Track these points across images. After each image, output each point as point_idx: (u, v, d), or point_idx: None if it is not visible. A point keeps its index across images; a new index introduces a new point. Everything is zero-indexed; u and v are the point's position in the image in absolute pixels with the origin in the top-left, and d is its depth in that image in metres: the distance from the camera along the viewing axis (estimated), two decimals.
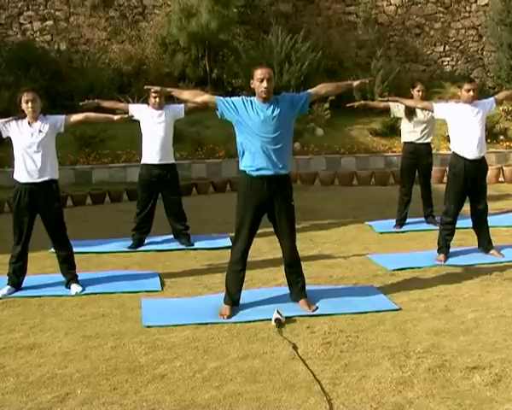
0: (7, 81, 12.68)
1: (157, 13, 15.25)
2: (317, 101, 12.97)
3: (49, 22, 14.99)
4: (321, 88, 4.86)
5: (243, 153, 4.64)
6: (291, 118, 4.69)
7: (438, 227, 6.67)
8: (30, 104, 5.17)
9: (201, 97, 4.91)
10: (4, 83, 12.62)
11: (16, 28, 14.88)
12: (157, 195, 6.94)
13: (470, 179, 6.01)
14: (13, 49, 13.96)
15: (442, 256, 6.07)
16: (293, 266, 4.87)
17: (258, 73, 4.53)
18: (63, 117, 5.44)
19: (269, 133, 4.54)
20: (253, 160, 4.57)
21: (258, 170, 4.57)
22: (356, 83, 5.06)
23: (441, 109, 6.19)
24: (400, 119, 7.82)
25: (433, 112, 6.30)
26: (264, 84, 4.51)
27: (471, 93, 5.91)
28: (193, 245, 6.92)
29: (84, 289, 5.36)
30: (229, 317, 4.61)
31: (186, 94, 5.07)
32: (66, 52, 14.91)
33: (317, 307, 4.75)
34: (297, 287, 4.87)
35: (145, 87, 5.46)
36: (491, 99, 6.20)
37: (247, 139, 4.59)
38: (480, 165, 6.03)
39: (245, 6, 15.43)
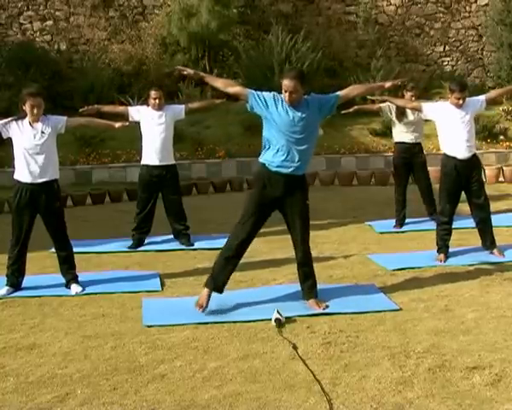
0: (7, 81, 12.69)
1: (157, 13, 15.25)
2: None
3: (49, 22, 14.99)
4: (351, 90, 4.90)
5: (267, 147, 4.67)
6: (318, 120, 4.74)
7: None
8: (35, 110, 5.14)
9: (233, 88, 4.91)
10: (4, 83, 12.62)
11: (16, 28, 14.88)
12: (157, 195, 6.94)
13: (463, 177, 6.02)
14: (13, 49, 13.96)
15: (442, 256, 6.07)
16: (303, 265, 4.88)
17: (283, 84, 4.56)
18: (65, 119, 5.41)
19: (295, 134, 4.57)
20: (275, 156, 4.61)
21: (278, 167, 4.61)
22: (388, 84, 5.11)
23: (429, 110, 6.19)
24: (391, 120, 7.86)
25: (421, 112, 6.31)
26: (287, 97, 4.55)
27: (460, 101, 5.91)
28: (193, 245, 6.92)
29: (84, 290, 5.36)
30: (204, 309, 4.62)
31: (219, 82, 5.03)
32: (66, 52, 14.91)
33: (327, 305, 4.77)
34: (306, 287, 4.88)
35: (177, 67, 5.42)
36: (482, 99, 6.16)
37: (273, 136, 4.62)
38: (470, 163, 6.03)
39: (245, 6, 15.43)
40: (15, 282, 5.36)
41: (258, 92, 4.70)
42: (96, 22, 15.16)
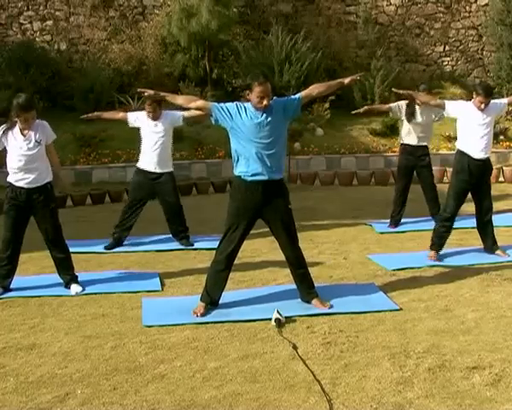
0: (7, 81, 12.67)
1: (157, 13, 15.24)
2: (317, 100, 13.00)
3: (49, 22, 14.98)
4: (312, 89, 4.85)
5: (238, 159, 4.66)
6: (284, 123, 4.72)
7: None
8: (29, 122, 5.13)
9: (196, 103, 4.92)
10: (4, 83, 12.61)
11: (16, 28, 14.87)
12: (147, 199, 6.91)
13: (474, 178, 6.03)
14: (13, 49, 13.93)
15: (433, 253, 6.05)
16: (297, 267, 4.88)
17: (258, 90, 4.51)
18: (54, 138, 5.36)
19: (263, 139, 4.56)
20: (248, 165, 4.60)
21: (253, 175, 4.60)
22: (347, 80, 5.04)
23: (452, 108, 6.21)
24: (399, 120, 7.86)
25: (444, 110, 6.31)
26: (265, 102, 4.52)
27: (483, 106, 5.92)
28: (192, 245, 6.91)
29: (84, 289, 5.36)
30: (202, 315, 4.62)
31: (180, 99, 5.06)
32: (66, 52, 14.89)
33: (331, 305, 4.78)
34: (305, 287, 4.88)
35: (138, 90, 5.41)
36: (504, 102, 6.21)
37: (241, 145, 4.61)
38: (484, 164, 6.05)
39: (245, 6, 15.42)
40: (5, 284, 5.32)
41: (222, 104, 4.68)
42: (96, 22, 15.15)
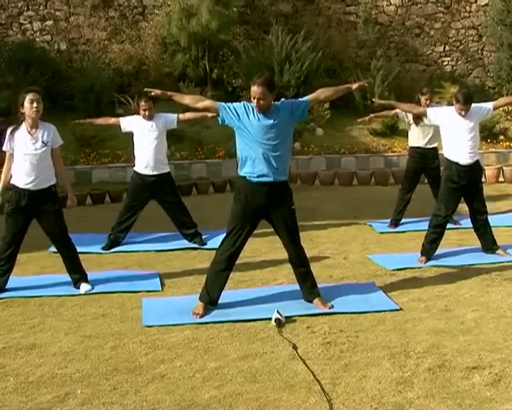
0: (7, 81, 12.68)
1: (157, 13, 15.23)
2: None
3: (49, 22, 14.98)
4: (319, 93, 4.86)
5: (243, 159, 4.65)
6: (290, 125, 4.72)
7: (456, 226, 6.98)
8: (35, 104, 5.10)
9: (203, 103, 4.91)
10: (4, 83, 12.62)
11: (16, 28, 14.86)
12: (145, 202, 6.90)
13: (464, 183, 6.03)
14: (13, 49, 13.93)
15: (424, 258, 6.03)
16: (299, 266, 4.89)
17: (251, 90, 4.54)
18: (60, 143, 5.36)
19: (270, 140, 4.56)
20: (253, 166, 4.59)
21: (258, 177, 4.60)
22: (355, 86, 5.06)
23: (435, 117, 6.19)
24: (408, 124, 7.81)
25: (426, 118, 6.30)
26: (255, 102, 4.53)
27: (462, 113, 5.91)
28: (205, 244, 6.88)
29: (93, 288, 5.35)
30: (201, 316, 4.62)
31: (188, 99, 5.06)
32: (66, 52, 14.90)
33: (332, 306, 4.78)
34: (307, 287, 4.89)
35: (145, 89, 5.43)
36: (488, 107, 6.10)
37: (247, 146, 4.60)
38: (472, 169, 6.04)
39: (245, 6, 15.42)
40: (1, 284, 5.31)
41: (229, 104, 4.68)
42: (95, 22, 15.15)
